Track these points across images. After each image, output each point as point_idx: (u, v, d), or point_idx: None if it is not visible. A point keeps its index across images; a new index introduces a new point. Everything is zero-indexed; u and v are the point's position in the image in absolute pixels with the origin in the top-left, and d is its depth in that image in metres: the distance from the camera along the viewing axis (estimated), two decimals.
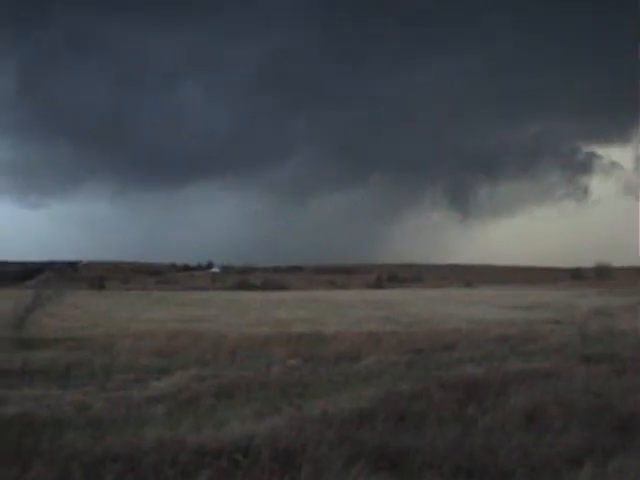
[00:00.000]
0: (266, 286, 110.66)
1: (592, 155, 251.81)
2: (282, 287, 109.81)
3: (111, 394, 11.21)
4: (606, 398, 9.52)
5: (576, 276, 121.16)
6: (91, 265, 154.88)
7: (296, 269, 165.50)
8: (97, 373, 13.67)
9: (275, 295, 73.04)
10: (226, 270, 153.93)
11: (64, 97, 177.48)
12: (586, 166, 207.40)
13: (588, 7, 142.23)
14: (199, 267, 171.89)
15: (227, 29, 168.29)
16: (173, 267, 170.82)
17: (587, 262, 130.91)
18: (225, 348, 17.36)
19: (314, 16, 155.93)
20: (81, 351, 17.10)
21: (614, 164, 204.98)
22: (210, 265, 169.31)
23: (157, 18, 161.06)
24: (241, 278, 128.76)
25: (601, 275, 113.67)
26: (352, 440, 7.17)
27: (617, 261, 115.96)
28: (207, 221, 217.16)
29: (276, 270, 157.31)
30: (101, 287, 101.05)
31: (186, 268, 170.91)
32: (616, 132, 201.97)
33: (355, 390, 10.96)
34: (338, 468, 6.27)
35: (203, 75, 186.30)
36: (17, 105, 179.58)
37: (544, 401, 9.29)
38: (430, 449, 6.96)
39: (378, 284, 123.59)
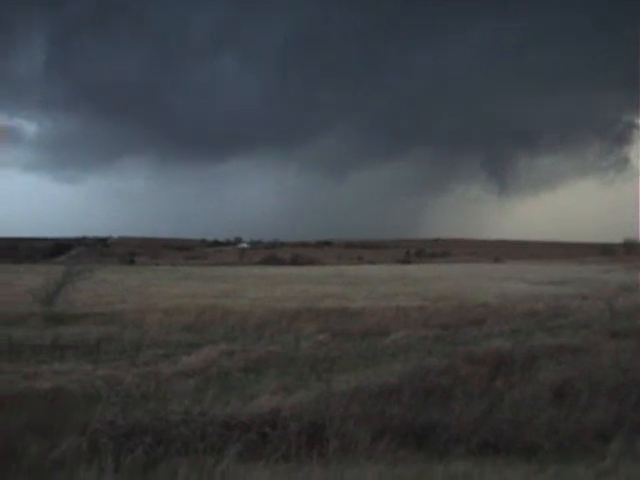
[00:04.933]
0: (295, 261, 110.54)
1: (632, 125, 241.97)
2: (311, 262, 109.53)
3: (141, 369, 11.38)
4: (634, 374, 9.43)
5: (605, 251, 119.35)
6: (121, 241, 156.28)
7: (325, 244, 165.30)
8: (127, 348, 13.85)
9: (304, 270, 73.11)
10: (255, 245, 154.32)
11: (100, 72, 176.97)
12: (626, 136, 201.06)
13: None
14: (228, 242, 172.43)
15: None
16: (203, 243, 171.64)
17: (618, 237, 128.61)
18: (253, 323, 17.48)
19: None
20: (111, 326, 17.33)
21: None
22: (238, 240, 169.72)
23: None
24: (270, 253, 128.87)
25: (630, 250, 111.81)
26: (379, 415, 7.20)
27: None
28: (242, 196, 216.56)
29: (305, 245, 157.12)
30: (131, 262, 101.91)
31: (216, 243, 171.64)
32: None
33: (383, 365, 11.01)
34: (365, 443, 6.30)
35: (240, 49, 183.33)
36: (51, 81, 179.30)
37: (572, 376, 9.24)
38: (457, 424, 6.97)
39: (406, 259, 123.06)
